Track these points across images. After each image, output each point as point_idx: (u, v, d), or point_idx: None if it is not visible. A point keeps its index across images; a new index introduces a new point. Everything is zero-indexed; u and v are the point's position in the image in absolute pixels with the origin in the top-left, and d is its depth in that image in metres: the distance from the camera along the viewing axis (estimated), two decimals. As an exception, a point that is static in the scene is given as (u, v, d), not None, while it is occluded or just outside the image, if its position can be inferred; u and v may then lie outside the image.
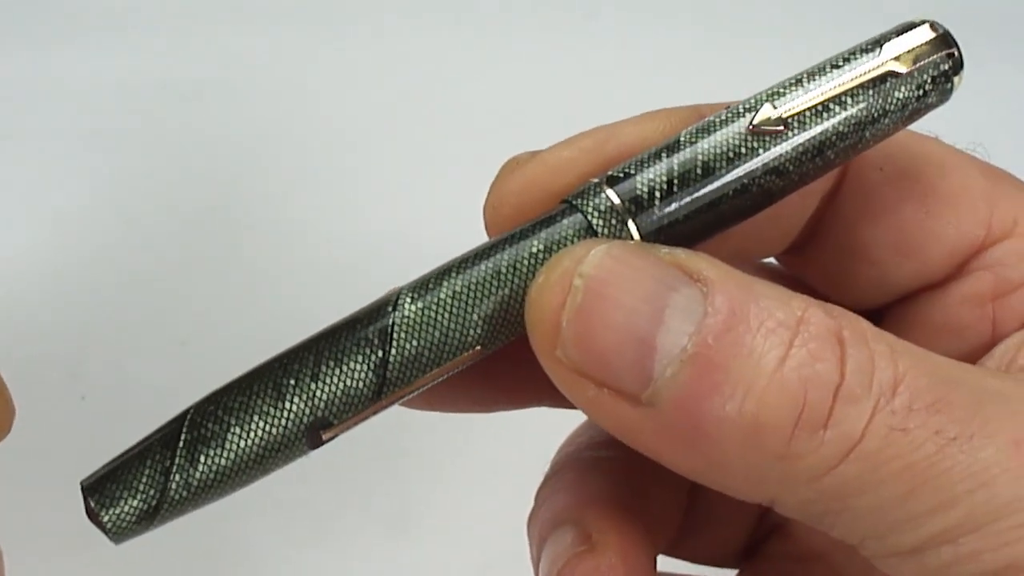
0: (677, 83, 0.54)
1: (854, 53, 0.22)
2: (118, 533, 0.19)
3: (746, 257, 0.25)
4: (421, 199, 0.48)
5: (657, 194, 0.21)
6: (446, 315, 0.20)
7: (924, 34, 0.22)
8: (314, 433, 0.20)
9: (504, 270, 0.21)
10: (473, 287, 0.20)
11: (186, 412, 0.20)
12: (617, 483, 0.25)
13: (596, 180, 0.21)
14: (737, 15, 0.59)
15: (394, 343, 0.20)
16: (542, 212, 0.21)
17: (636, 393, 0.19)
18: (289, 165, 0.51)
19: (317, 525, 0.39)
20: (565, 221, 0.21)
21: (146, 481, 0.19)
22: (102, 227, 0.47)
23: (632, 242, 0.21)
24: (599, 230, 0.21)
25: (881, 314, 0.25)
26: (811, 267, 0.25)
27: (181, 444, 0.19)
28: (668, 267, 0.19)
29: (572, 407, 0.25)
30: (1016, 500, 0.18)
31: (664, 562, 0.28)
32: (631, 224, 0.21)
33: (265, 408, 0.20)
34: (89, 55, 0.54)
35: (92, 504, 0.19)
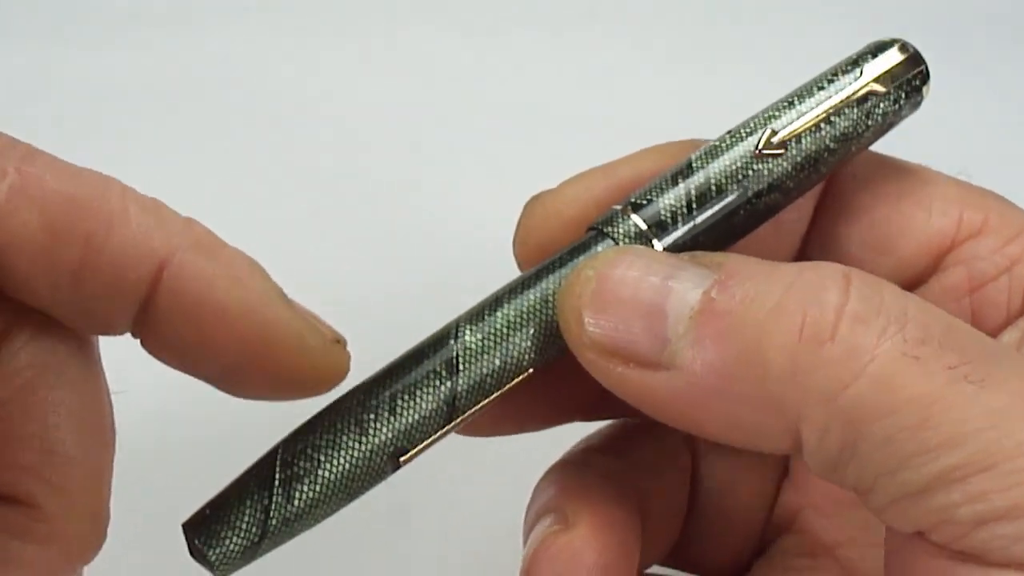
0: (687, 83, 0.54)
1: (836, 74, 0.24)
2: (223, 568, 0.21)
3: None
4: (433, 197, 0.48)
5: (677, 216, 0.23)
6: (503, 342, 0.22)
7: (896, 54, 0.24)
8: (394, 459, 0.22)
9: (549, 295, 0.22)
10: (524, 314, 0.22)
11: (276, 451, 0.21)
12: (606, 481, 0.25)
13: (620, 207, 0.23)
14: (739, 18, 0.59)
15: (460, 373, 0.22)
16: (571, 240, 0.24)
17: (655, 358, 0.20)
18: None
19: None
20: (596, 247, 0.23)
21: (248, 520, 0.21)
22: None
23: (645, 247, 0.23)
24: None
25: None
26: None
27: (276, 483, 0.21)
28: (678, 257, 0.21)
29: (604, 418, 0.27)
30: None
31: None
32: (655, 243, 0.23)
33: (350, 444, 0.21)
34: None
35: (198, 543, 0.21)
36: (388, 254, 0.46)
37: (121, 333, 0.21)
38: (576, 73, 0.55)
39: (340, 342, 0.22)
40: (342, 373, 0.22)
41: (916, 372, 0.19)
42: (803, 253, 0.27)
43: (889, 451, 0.19)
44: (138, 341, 0.21)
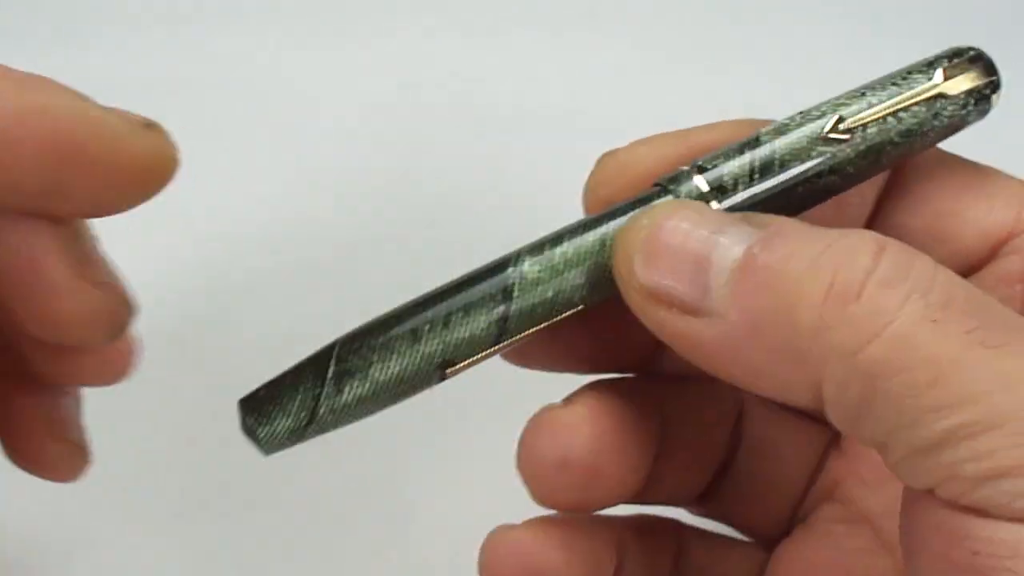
0: (687, 84, 0.54)
1: (910, 72, 0.25)
2: (270, 447, 0.23)
3: None
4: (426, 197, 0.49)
5: (737, 183, 0.24)
6: (559, 276, 0.24)
7: (971, 62, 0.25)
8: (441, 370, 0.23)
9: (608, 239, 0.24)
10: (582, 253, 0.24)
11: (333, 345, 0.23)
12: (630, 392, 0.26)
13: (687, 168, 0.25)
14: (740, 18, 0.59)
15: (515, 299, 0.23)
16: (636, 192, 0.25)
17: (697, 304, 0.22)
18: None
19: (316, 523, 0.39)
20: (659, 200, 0.24)
21: (298, 405, 0.22)
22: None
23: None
24: None
25: None
26: None
27: (330, 375, 0.22)
28: (730, 215, 0.23)
29: (648, 371, 0.28)
30: None
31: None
32: (715, 206, 0.24)
33: (403, 348, 0.23)
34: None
35: (250, 421, 0.22)
36: (387, 253, 0.46)
37: None
38: (576, 73, 0.55)
39: (152, 125, 0.22)
40: (166, 159, 0.22)
41: (934, 333, 0.20)
42: None
43: (902, 407, 0.20)
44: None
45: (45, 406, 0.26)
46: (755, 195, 0.24)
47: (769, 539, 0.29)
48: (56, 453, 0.27)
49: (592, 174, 0.27)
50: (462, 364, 0.23)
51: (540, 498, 0.25)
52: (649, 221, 0.23)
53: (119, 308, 0.23)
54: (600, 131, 0.49)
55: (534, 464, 0.25)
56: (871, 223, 0.27)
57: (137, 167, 0.21)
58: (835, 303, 0.20)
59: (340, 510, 0.39)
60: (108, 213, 0.22)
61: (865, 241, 0.21)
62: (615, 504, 0.26)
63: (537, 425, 0.25)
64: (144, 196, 0.22)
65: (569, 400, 0.26)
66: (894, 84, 0.25)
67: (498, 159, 0.50)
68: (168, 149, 0.22)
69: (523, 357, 0.27)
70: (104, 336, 0.23)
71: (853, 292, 0.20)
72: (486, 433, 0.33)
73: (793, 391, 0.21)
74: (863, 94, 0.25)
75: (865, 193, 0.27)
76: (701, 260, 0.22)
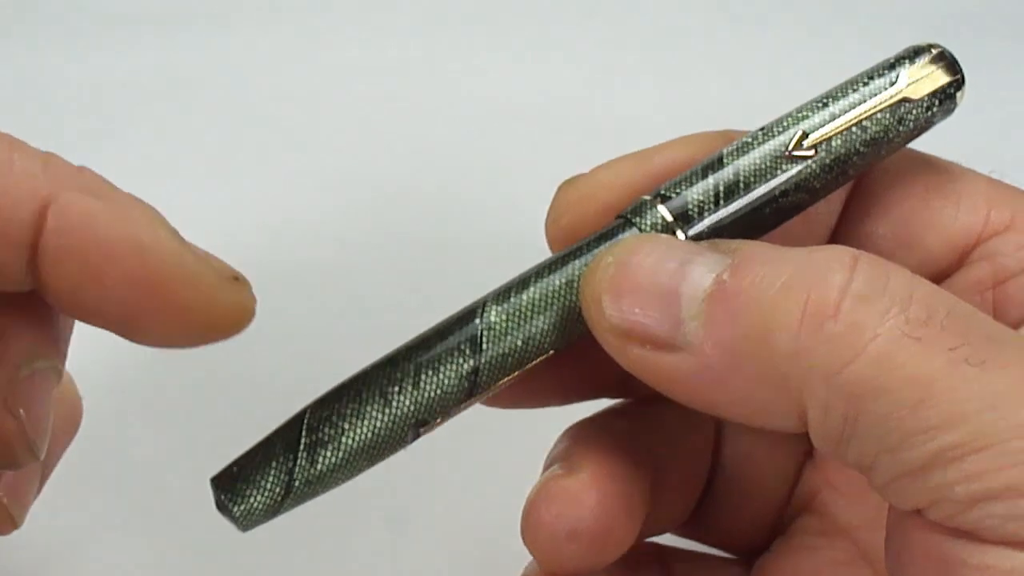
0: (687, 84, 0.54)
1: (871, 77, 0.24)
2: (246, 524, 0.22)
3: None
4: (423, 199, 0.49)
5: (701, 209, 0.24)
6: (527, 324, 0.23)
7: (932, 61, 0.24)
8: (415, 430, 0.23)
9: (574, 279, 0.23)
10: (548, 297, 0.23)
11: (303, 415, 0.22)
12: (620, 438, 0.26)
13: (648, 197, 0.24)
14: (739, 18, 0.59)
15: (484, 351, 0.23)
16: (599, 226, 0.24)
17: (671, 339, 0.21)
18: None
19: (316, 522, 0.39)
20: (624, 235, 0.24)
21: (272, 480, 0.22)
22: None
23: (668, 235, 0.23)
24: None
25: None
26: None
27: (302, 447, 0.22)
28: (696, 244, 0.22)
29: (624, 397, 0.28)
30: (1023, 425, 0.19)
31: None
32: (680, 235, 0.23)
33: (374, 414, 0.22)
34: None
35: (224, 500, 0.22)
36: (388, 254, 0.46)
37: (20, 285, 0.21)
38: (576, 73, 0.55)
39: (239, 279, 0.22)
40: (246, 312, 0.22)
41: (916, 352, 0.19)
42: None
43: (888, 429, 0.19)
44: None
45: None
46: (721, 220, 0.24)
47: (750, 554, 0.29)
48: None
49: (553, 205, 0.26)
50: (437, 421, 0.23)
51: (547, 567, 0.25)
52: (614, 259, 0.22)
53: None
54: (598, 132, 0.50)
55: (543, 538, 0.24)
56: (838, 231, 0.27)
57: (216, 317, 0.21)
58: (811, 323, 0.20)
59: (339, 511, 0.39)
60: (170, 347, 0.22)
61: (837, 255, 0.21)
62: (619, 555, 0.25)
63: (543, 498, 0.24)
64: (212, 341, 0.22)
65: (570, 465, 0.25)
66: (855, 90, 0.24)
67: (498, 159, 0.50)
68: (250, 303, 0.22)
69: (495, 400, 0.26)
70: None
71: (829, 309, 0.20)
72: (487, 430, 0.33)
73: (777, 418, 0.21)
74: (825, 104, 0.24)
75: (832, 200, 0.26)
76: (670, 294, 0.21)
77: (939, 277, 0.26)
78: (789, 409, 0.20)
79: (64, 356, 0.25)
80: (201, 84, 0.53)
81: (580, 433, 0.26)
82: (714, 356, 0.21)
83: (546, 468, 0.26)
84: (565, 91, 0.54)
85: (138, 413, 0.38)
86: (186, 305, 0.21)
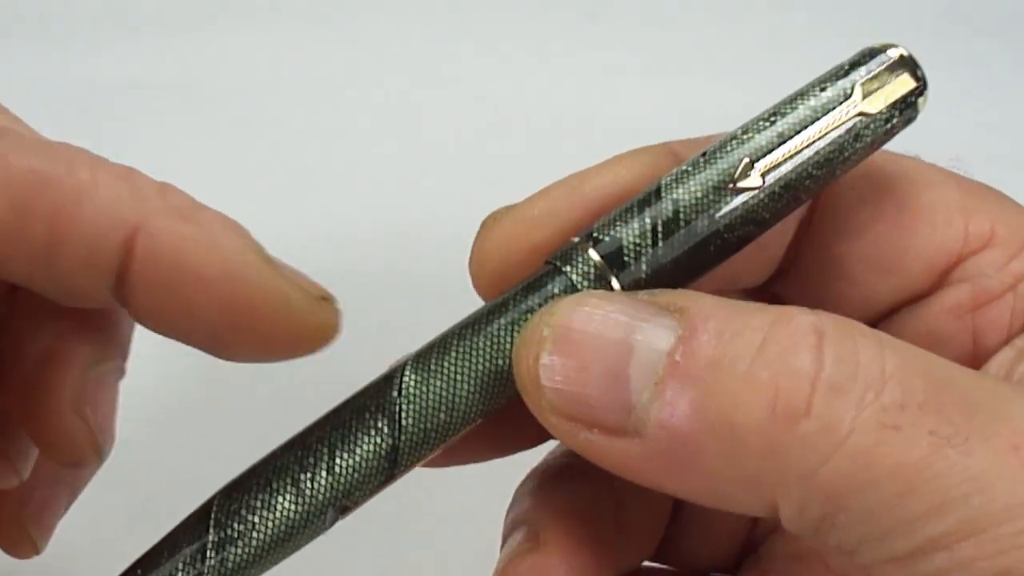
0: (676, 86, 0.54)
1: (823, 88, 0.22)
2: None
3: (733, 288, 0.25)
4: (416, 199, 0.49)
5: (638, 251, 0.21)
6: (450, 394, 0.21)
7: (890, 67, 0.22)
8: (333, 515, 0.21)
9: (501, 340, 0.21)
10: (473, 362, 0.21)
11: (209, 507, 0.21)
12: (581, 489, 0.24)
13: (578, 239, 0.22)
14: (735, 20, 0.59)
15: (402, 429, 0.21)
16: (528, 272, 0.22)
17: (620, 425, 0.19)
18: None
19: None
20: (551, 284, 0.21)
21: None
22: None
23: (603, 290, 0.21)
24: (582, 289, 0.21)
25: None
26: (794, 291, 0.25)
27: (210, 546, 0.20)
28: (639, 303, 0.20)
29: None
30: (1012, 507, 0.18)
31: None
32: (614, 281, 0.21)
33: (286, 505, 0.20)
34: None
35: None
36: (388, 254, 0.46)
37: (104, 304, 0.21)
38: (574, 74, 0.55)
39: (327, 299, 0.21)
40: (333, 329, 0.21)
41: (896, 442, 0.18)
42: (799, 270, 0.25)
43: (871, 521, 0.18)
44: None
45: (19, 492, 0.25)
46: (660, 261, 0.21)
47: None
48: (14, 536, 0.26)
49: (476, 246, 0.23)
50: (356, 505, 0.21)
51: None
52: (550, 332, 0.20)
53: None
54: (597, 132, 0.50)
55: None
56: (805, 255, 0.25)
57: (304, 338, 0.21)
58: (783, 423, 0.18)
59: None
60: (255, 362, 0.22)
61: (802, 333, 0.19)
62: None
63: (510, 574, 0.23)
64: (297, 357, 0.21)
65: (534, 535, 0.23)
66: (805, 104, 0.21)
67: (499, 159, 0.50)
68: (336, 321, 0.21)
69: (435, 463, 0.24)
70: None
71: (801, 408, 0.18)
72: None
73: (745, 508, 0.20)
74: (772, 121, 0.22)
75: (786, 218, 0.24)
76: (618, 374, 0.19)
77: (917, 298, 0.24)
78: (758, 503, 0.19)
79: (127, 354, 0.25)
80: (201, 84, 0.53)
81: (539, 488, 0.25)
82: (672, 448, 0.19)
83: (508, 532, 0.24)
84: (565, 94, 0.54)
85: (139, 414, 0.38)
86: (275, 328, 0.21)
